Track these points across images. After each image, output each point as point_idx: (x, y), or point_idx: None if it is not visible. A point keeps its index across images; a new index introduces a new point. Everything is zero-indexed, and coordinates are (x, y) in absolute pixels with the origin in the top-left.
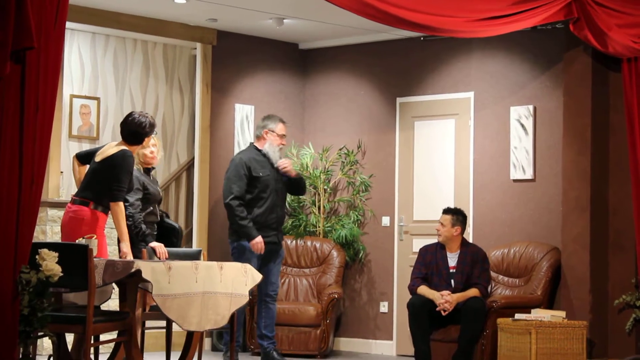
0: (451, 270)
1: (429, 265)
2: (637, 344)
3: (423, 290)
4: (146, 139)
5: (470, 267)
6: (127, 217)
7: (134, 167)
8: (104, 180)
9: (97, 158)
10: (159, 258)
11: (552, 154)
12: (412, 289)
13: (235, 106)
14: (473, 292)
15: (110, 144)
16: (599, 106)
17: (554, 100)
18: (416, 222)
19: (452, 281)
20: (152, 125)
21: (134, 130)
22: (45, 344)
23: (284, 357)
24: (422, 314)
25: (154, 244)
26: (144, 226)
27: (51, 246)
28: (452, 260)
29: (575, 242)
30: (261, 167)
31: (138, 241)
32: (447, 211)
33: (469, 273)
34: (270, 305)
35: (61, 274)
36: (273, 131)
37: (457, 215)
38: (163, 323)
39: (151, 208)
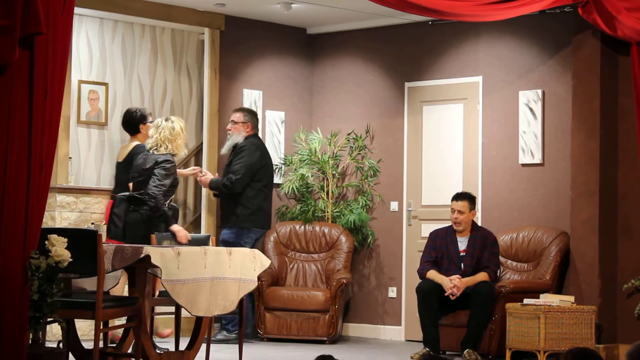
0: (461, 254)
1: (439, 249)
2: None
3: (432, 274)
4: (181, 128)
5: (480, 250)
6: (150, 197)
7: (170, 153)
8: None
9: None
10: (179, 242)
11: (561, 138)
12: (422, 273)
13: (243, 91)
14: (482, 276)
15: (128, 147)
16: (608, 90)
17: (563, 85)
18: (425, 207)
19: (462, 264)
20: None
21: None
22: (55, 330)
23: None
24: (431, 299)
25: (174, 227)
26: (166, 208)
27: (60, 232)
28: (462, 243)
29: (584, 227)
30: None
31: (159, 222)
32: (461, 197)
33: (479, 256)
34: None
35: (70, 260)
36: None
37: (471, 199)
38: (172, 308)
39: (173, 196)
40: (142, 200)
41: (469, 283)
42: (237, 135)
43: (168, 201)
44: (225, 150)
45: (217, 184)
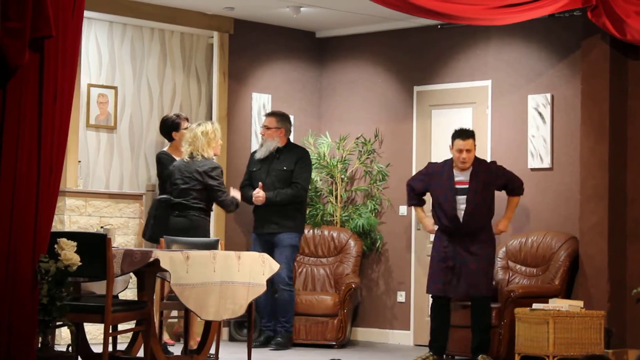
0: (456, 186)
1: (431, 185)
2: None
3: (418, 212)
4: (212, 131)
5: (484, 183)
6: (227, 205)
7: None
8: None
9: None
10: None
11: (570, 143)
12: (409, 197)
13: (252, 95)
14: (516, 201)
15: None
16: (617, 94)
17: (572, 89)
18: None
19: (466, 200)
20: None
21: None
22: (64, 334)
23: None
24: (443, 309)
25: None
26: (231, 199)
27: (70, 235)
28: (460, 177)
29: (593, 231)
30: (256, 162)
31: (206, 228)
32: (467, 134)
33: (482, 190)
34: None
35: (80, 264)
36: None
37: (474, 135)
38: (181, 312)
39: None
40: (188, 205)
41: (510, 217)
42: (271, 142)
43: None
44: (262, 155)
45: (284, 196)
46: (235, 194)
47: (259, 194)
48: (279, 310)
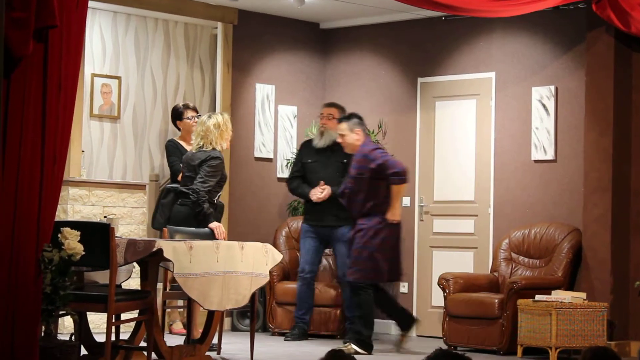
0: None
1: None
2: None
3: None
4: (220, 123)
5: (355, 168)
6: (194, 192)
7: (216, 149)
8: None
9: None
10: (217, 239)
11: (574, 135)
12: None
13: (256, 86)
14: (394, 190)
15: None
16: (622, 86)
17: (576, 81)
18: (436, 203)
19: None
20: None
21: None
22: (67, 323)
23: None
24: (374, 294)
25: (213, 224)
26: (206, 205)
27: (73, 225)
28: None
29: (597, 223)
30: (312, 153)
31: (199, 221)
32: (342, 119)
33: (355, 175)
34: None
35: (83, 253)
36: (319, 117)
37: (350, 119)
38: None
39: (221, 192)
40: (188, 194)
41: (393, 206)
42: (333, 132)
43: (216, 197)
44: (324, 144)
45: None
46: (326, 191)
47: (322, 194)
48: (351, 306)
